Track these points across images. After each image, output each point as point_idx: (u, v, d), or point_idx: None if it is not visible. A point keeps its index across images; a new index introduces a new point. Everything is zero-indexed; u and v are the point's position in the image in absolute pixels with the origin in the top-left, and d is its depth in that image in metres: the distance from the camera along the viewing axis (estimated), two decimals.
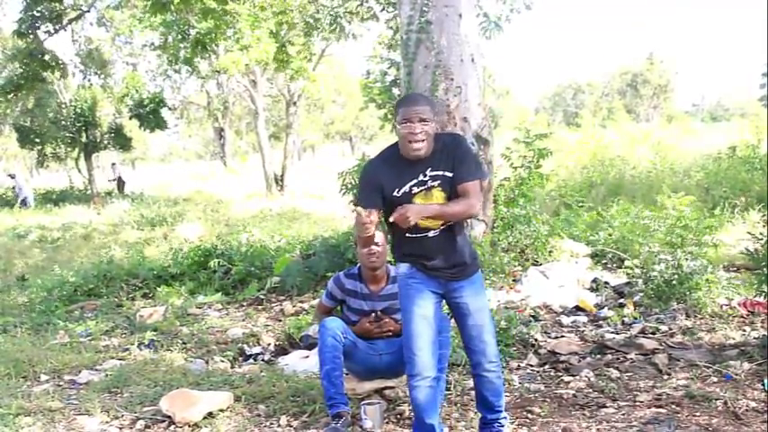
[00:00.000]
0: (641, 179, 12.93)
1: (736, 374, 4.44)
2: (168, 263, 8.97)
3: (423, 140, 3.28)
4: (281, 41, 16.23)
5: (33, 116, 24.58)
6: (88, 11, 19.01)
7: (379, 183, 3.37)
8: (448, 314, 3.82)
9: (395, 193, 3.34)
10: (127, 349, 5.96)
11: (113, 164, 26.92)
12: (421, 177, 3.34)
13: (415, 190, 3.34)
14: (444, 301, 3.55)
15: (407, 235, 3.39)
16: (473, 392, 4.34)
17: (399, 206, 3.23)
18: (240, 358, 5.74)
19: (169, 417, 4.25)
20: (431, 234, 3.39)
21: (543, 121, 32.40)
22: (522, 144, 7.80)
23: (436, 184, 3.34)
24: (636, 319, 5.79)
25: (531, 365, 5.00)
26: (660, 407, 4.03)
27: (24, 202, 21.67)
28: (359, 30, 17.09)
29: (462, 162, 3.38)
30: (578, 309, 6.26)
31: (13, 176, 24.20)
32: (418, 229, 3.35)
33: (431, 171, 3.34)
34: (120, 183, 24.82)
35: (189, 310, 7.24)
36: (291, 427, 4.11)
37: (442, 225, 3.38)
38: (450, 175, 3.36)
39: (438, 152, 3.37)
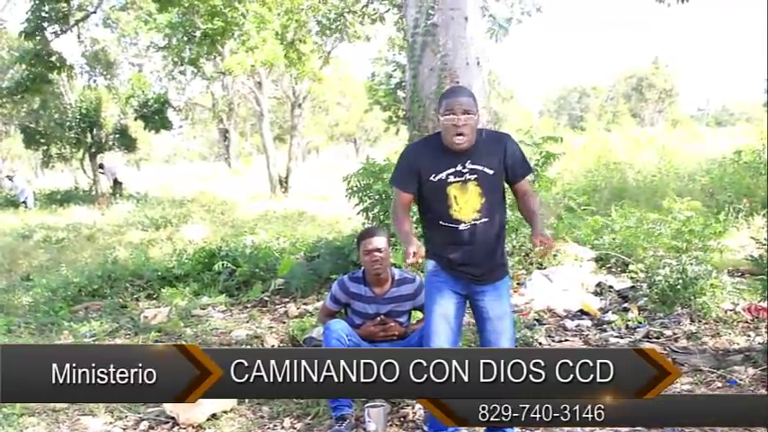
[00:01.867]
0: (645, 183, 12.90)
1: (741, 380, 4.44)
2: (172, 264, 8.97)
3: (465, 132, 3.29)
4: (291, 39, 16.24)
5: (39, 117, 24.61)
6: (94, 12, 19.06)
7: (418, 167, 3.40)
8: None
9: (431, 178, 3.37)
10: None
11: (101, 165, 24.29)
12: (459, 168, 3.35)
13: (452, 179, 3.36)
14: (468, 302, 3.55)
15: (441, 223, 3.40)
16: None
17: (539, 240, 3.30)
18: None
19: (173, 418, 4.26)
20: (461, 227, 3.39)
21: (548, 125, 32.39)
22: (527, 147, 7.80)
23: (473, 178, 3.36)
24: (640, 323, 5.79)
25: None
26: None
27: (25, 204, 21.63)
28: (370, 30, 17.14)
29: (515, 160, 3.47)
30: (582, 313, 6.25)
31: (11, 178, 24.05)
32: (450, 218, 3.36)
33: (470, 164, 3.36)
34: (117, 184, 24.28)
35: (193, 312, 7.25)
36: (295, 429, 4.12)
37: (474, 220, 3.38)
38: (490, 172, 3.38)
39: (480, 146, 3.38)
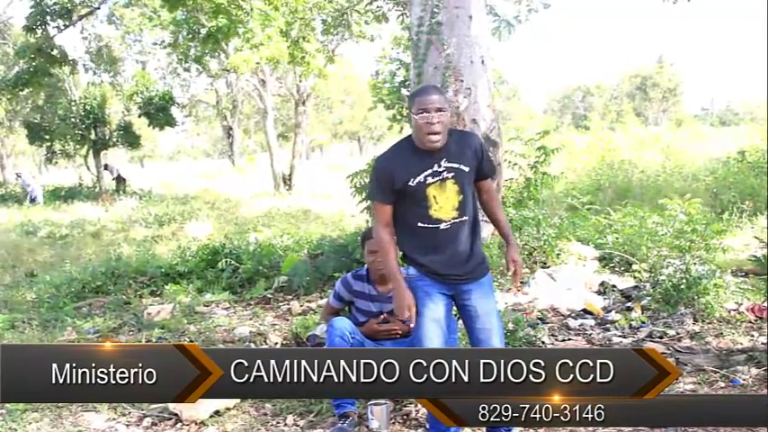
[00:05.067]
0: (650, 183, 12.89)
1: (744, 380, 4.43)
2: (176, 261, 8.99)
3: (440, 130, 3.29)
4: (296, 37, 16.22)
5: (43, 113, 24.67)
6: (98, 8, 19.07)
7: (393, 177, 3.37)
8: (455, 315, 3.82)
9: (410, 183, 3.34)
10: None
11: (106, 165, 25.17)
12: (436, 168, 3.35)
13: (430, 180, 3.35)
14: (454, 302, 3.54)
15: (419, 225, 3.39)
16: None
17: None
18: None
19: (176, 414, 4.27)
20: (442, 226, 3.37)
21: (551, 123, 32.34)
22: (526, 144, 7.81)
23: (450, 176, 3.36)
24: (643, 322, 5.78)
25: None
26: None
27: (33, 200, 21.65)
28: (374, 30, 17.11)
29: (483, 158, 3.51)
30: (586, 312, 6.25)
31: (19, 175, 24.11)
32: (430, 219, 3.36)
33: (446, 162, 3.36)
34: (121, 180, 24.41)
35: (196, 309, 7.25)
36: (298, 426, 4.12)
37: (453, 218, 3.38)
38: (466, 169, 3.39)
39: (453, 144, 3.39)
